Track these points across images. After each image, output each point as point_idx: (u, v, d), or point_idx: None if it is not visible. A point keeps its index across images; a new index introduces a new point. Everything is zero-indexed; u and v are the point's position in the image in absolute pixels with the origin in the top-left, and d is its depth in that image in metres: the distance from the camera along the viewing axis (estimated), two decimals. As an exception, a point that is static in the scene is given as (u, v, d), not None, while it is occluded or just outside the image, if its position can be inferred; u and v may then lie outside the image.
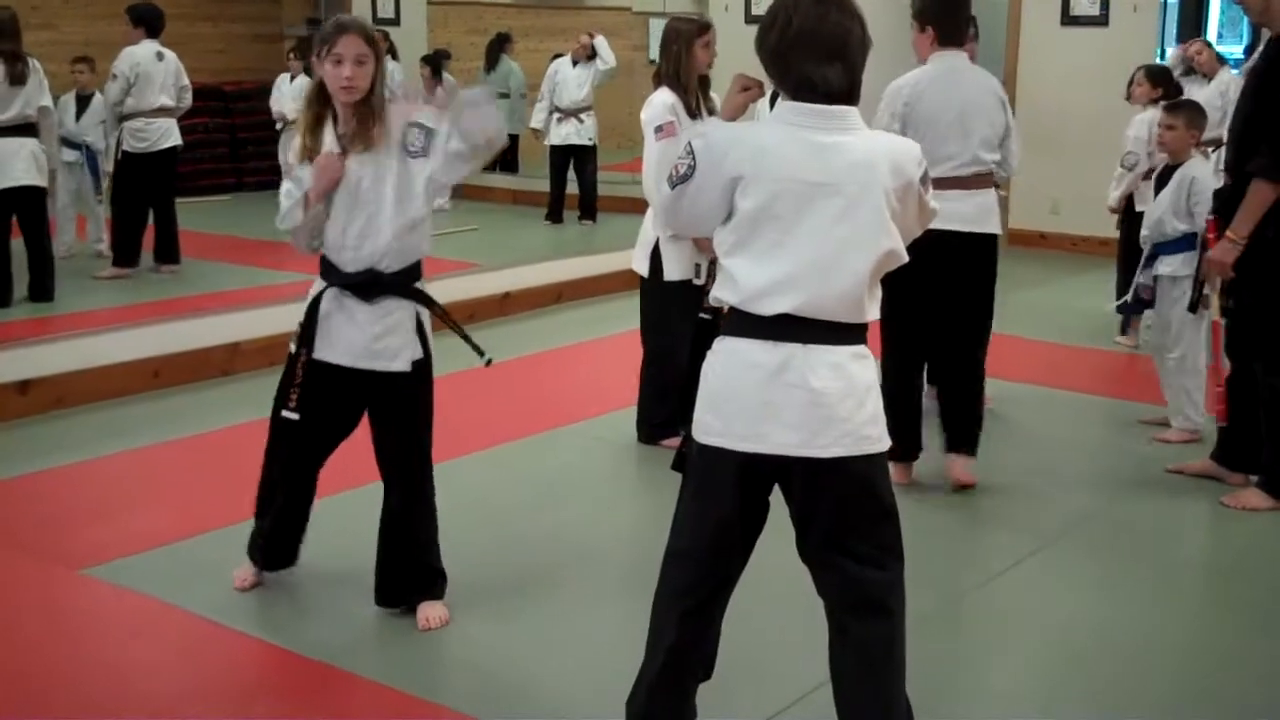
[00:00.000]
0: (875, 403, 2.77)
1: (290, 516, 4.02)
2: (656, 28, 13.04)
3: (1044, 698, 3.51)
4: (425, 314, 3.78)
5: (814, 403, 2.69)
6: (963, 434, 5.01)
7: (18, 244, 7.33)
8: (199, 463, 5.36)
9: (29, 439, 5.63)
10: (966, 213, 4.75)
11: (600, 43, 10.84)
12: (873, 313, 2.77)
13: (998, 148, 4.88)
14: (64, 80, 8.66)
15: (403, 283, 3.70)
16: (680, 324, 5.25)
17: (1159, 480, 5.13)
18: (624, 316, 7.18)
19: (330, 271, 3.73)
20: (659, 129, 5.02)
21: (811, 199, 2.70)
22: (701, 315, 5.07)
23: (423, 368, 3.76)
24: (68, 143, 8.43)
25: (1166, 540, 4.62)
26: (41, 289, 7.35)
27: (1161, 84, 7.10)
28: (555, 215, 10.84)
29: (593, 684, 3.49)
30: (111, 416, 5.96)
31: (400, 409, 3.78)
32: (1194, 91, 7.50)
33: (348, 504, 4.32)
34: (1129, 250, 6.58)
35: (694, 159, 2.78)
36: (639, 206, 5.51)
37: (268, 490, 4.00)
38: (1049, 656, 3.76)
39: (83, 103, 8.50)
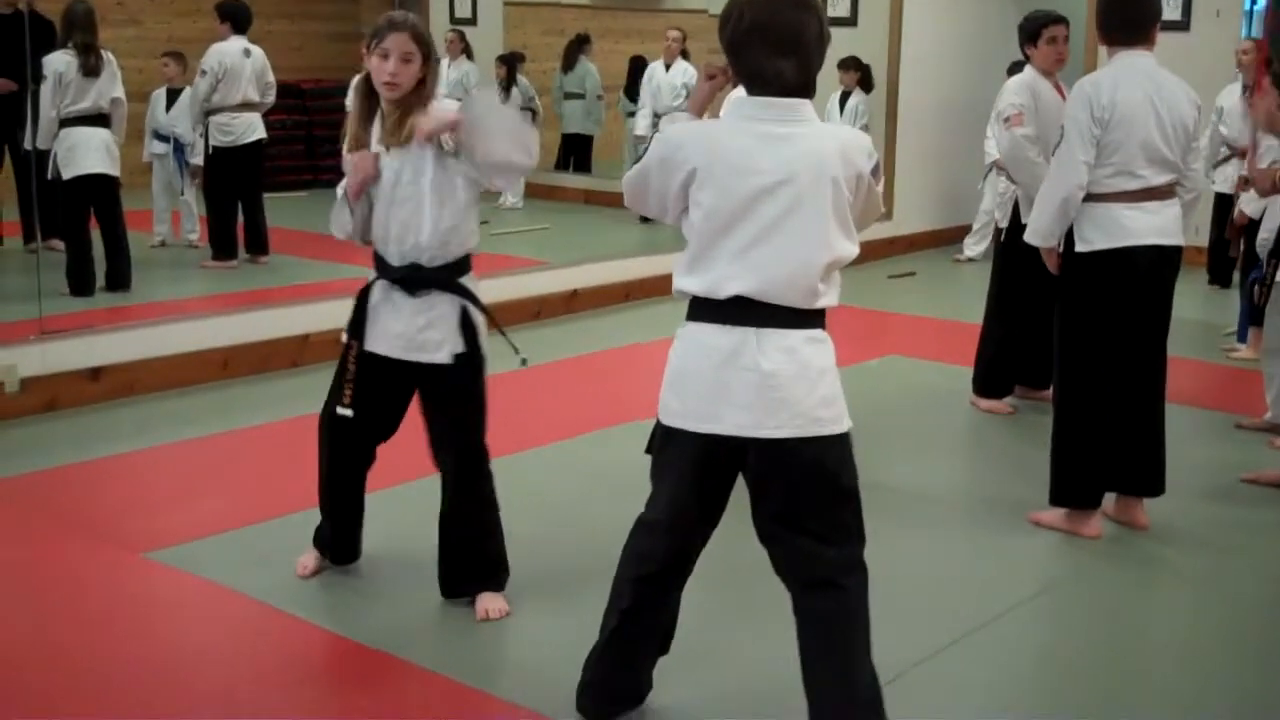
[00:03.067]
0: (830, 385, 2.85)
1: (345, 511, 4.04)
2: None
3: (1105, 702, 3.45)
4: (475, 309, 3.76)
5: (764, 385, 2.79)
6: (1150, 475, 4.58)
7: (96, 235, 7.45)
8: (265, 451, 5.40)
9: (99, 424, 5.70)
10: (1163, 225, 4.42)
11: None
12: (829, 300, 2.86)
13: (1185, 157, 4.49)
14: (151, 75, 8.80)
15: (447, 277, 3.70)
16: None
17: (1233, 490, 5.04)
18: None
19: (380, 265, 3.75)
20: None
21: (766, 189, 2.78)
22: None
23: (468, 361, 3.73)
24: (158, 135, 8.63)
25: (1236, 550, 4.52)
26: (118, 277, 7.44)
27: None
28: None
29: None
30: (180, 405, 6.02)
31: (446, 401, 3.78)
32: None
33: (412, 494, 4.32)
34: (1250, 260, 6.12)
35: (649, 149, 2.91)
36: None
37: (324, 486, 4.03)
38: (1111, 664, 3.69)
39: (172, 96, 8.66)
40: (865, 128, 9.53)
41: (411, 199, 3.64)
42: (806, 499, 2.86)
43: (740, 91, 3.03)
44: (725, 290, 2.80)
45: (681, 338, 2.92)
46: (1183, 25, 9.72)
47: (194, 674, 3.49)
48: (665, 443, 2.95)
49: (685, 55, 10.83)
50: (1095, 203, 4.39)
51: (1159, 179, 4.40)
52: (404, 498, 4.29)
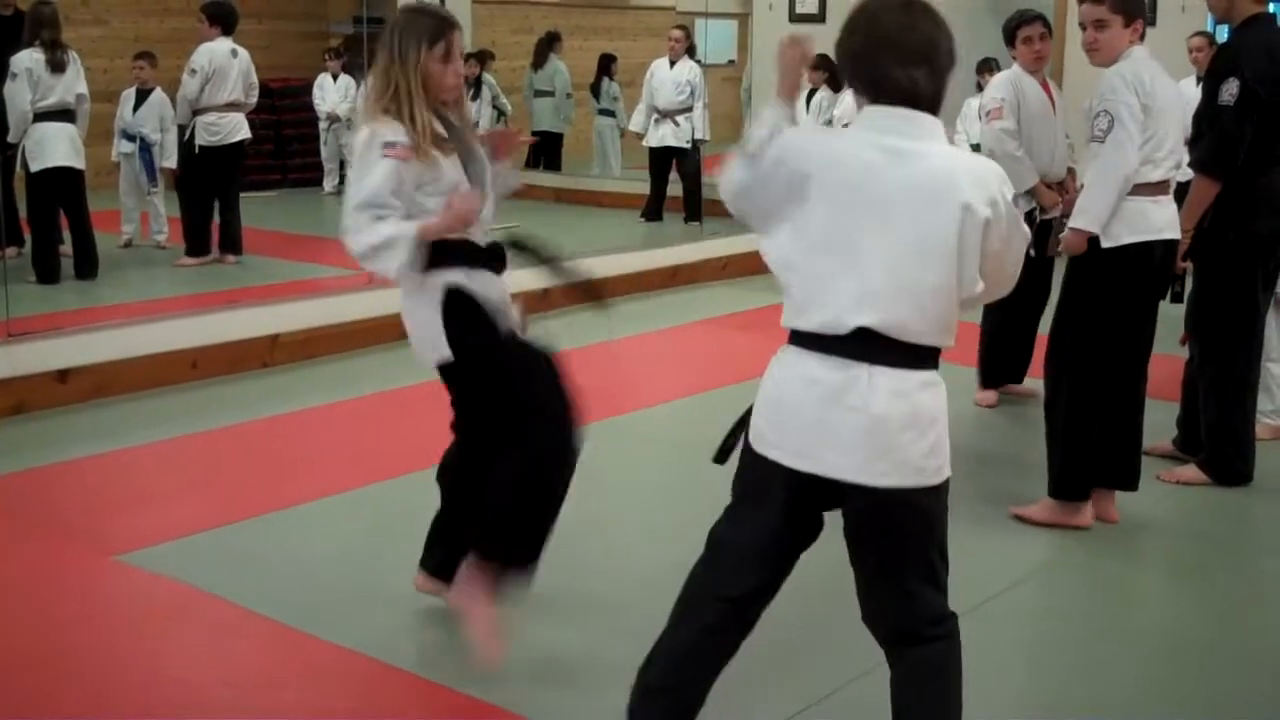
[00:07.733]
0: (939, 433, 2.63)
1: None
2: (700, 27, 13.09)
3: (1086, 694, 3.46)
4: None
5: (872, 430, 2.56)
6: (1131, 469, 4.60)
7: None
8: (235, 452, 5.36)
9: (68, 426, 5.66)
10: (1173, 218, 4.45)
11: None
12: (951, 340, 2.64)
13: None
14: (117, 75, 8.81)
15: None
16: None
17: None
18: (666, 312, 7.19)
19: (454, 252, 3.58)
20: None
21: (887, 206, 2.56)
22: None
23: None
24: (126, 135, 8.66)
25: (1212, 540, 4.61)
26: (86, 265, 7.67)
27: None
28: (654, 214, 10.70)
29: (630, 678, 3.46)
30: (150, 406, 5.98)
31: None
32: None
33: (381, 494, 4.31)
34: None
35: (763, 147, 2.70)
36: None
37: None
38: (1092, 655, 3.71)
39: (142, 96, 8.67)
40: (829, 122, 9.54)
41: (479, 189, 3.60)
42: (903, 550, 2.67)
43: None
44: (847, 325, 2.56)
45: (782, 360, 2.69)
46: (1149, 21, 9.74)
47: (166, 677, 3.47)
48: (756, 470, 2.71)
49: (691, 53, 10.83)
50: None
51: (1170, 172, 4.44)
52: (374, 498, 4.27)
